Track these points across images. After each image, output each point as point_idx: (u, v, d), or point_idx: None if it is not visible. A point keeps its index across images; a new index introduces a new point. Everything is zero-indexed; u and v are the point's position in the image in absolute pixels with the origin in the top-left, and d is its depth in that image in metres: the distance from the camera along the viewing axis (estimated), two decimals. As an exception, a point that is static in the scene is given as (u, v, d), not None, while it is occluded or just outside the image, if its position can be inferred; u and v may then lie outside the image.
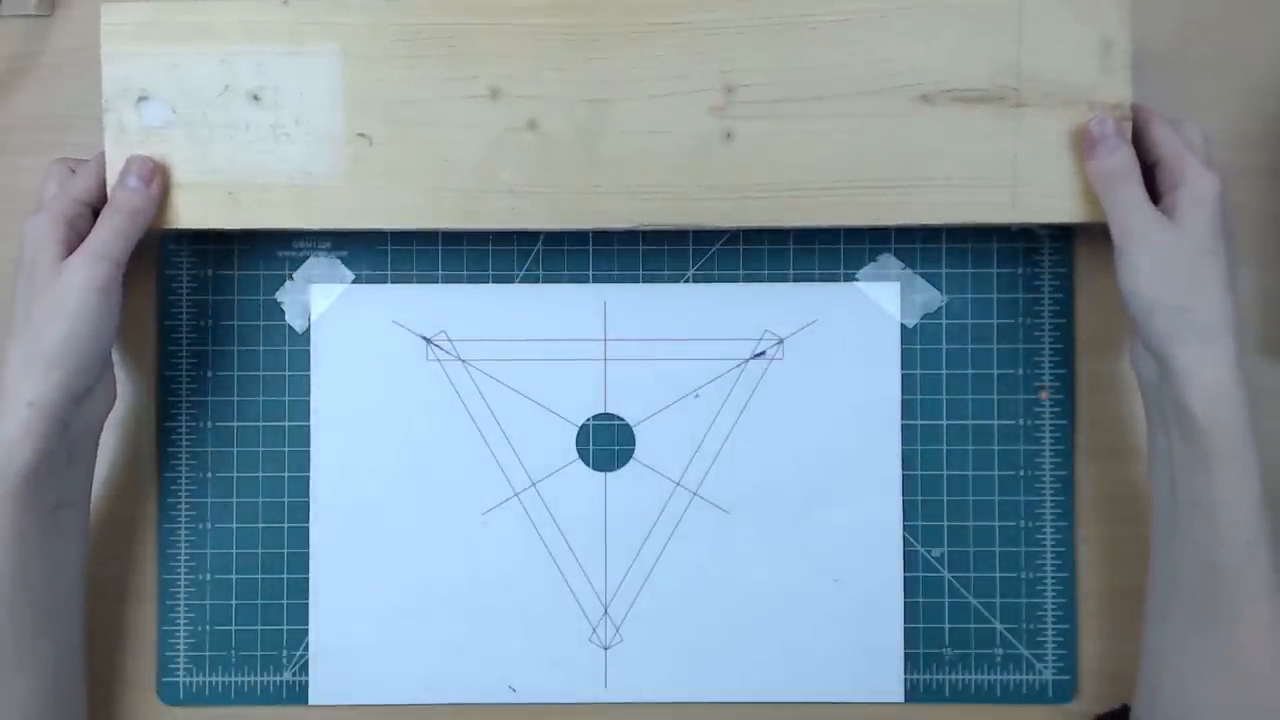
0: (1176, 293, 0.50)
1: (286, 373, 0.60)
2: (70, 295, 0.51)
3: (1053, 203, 0.55)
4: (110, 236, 0.52)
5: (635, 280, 0.60)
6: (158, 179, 0.54)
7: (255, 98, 0.54)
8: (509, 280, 0.60)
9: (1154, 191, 0.53)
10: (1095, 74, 0.54)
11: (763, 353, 0.60)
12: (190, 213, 0.55)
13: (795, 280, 0.60)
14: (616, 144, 0.54)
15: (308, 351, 0.60)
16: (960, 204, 0.55)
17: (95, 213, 0.54)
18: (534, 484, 0.60)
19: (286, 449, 0.60)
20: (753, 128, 0.54)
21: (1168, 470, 0.52)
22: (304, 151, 0.55)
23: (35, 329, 0.51)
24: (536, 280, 0.60)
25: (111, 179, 0.54)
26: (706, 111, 0.54)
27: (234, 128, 0.55)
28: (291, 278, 0.60)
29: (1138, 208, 0.51)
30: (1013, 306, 0.60)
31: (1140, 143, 0.54)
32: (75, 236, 0.53)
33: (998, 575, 0.60)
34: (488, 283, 0.60)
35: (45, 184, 0.55)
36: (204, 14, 0.54)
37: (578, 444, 0.60)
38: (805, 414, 0.60)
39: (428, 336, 0.60)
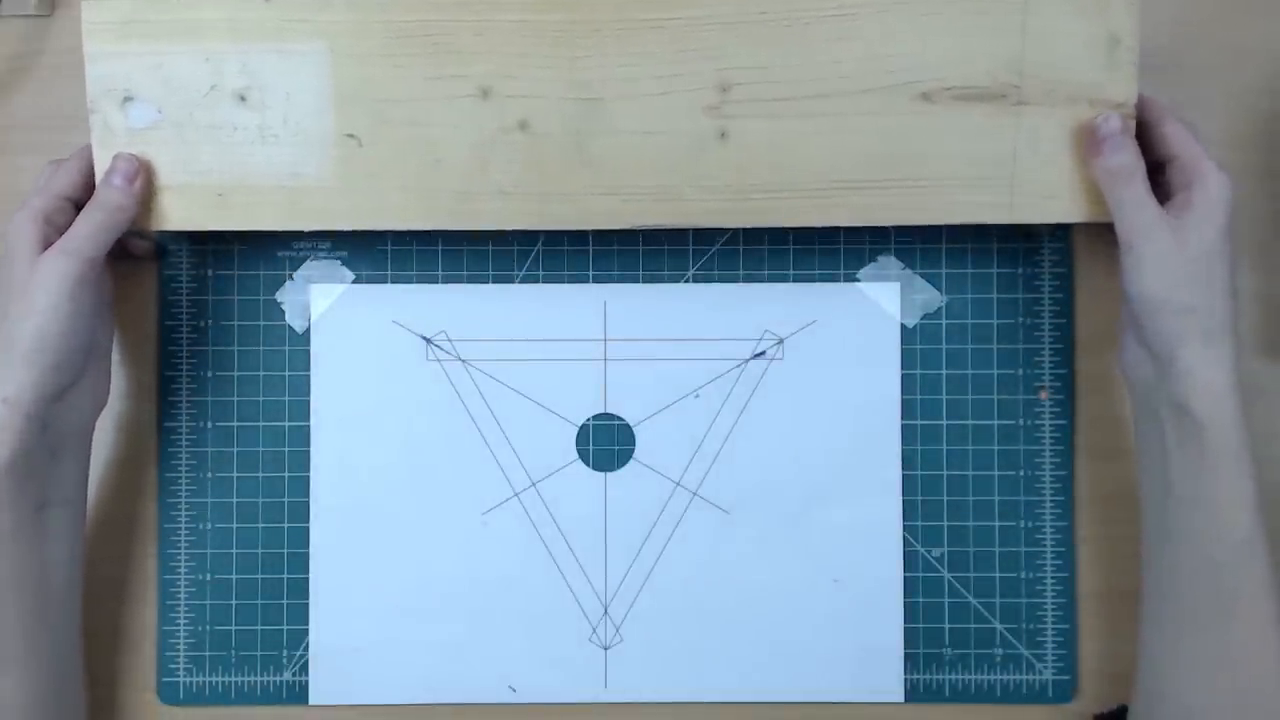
0: (1183, 294, 0.49)
1: (286, 373, 0.59)
2: (41, 291, 0.49)
3: (1052, 203, 0.53)
4: (87, 232, 0.51)
5: (635, 280, 0.59)
6: (141, 177, 0.52)
7: (242, 98, 0.52)
8: (509, 280, 0.59)
9: (1158, 188, 0.51)
10: (1101, 70, 0.52)
11: (763, 353, 0.58)
12: (180, 215, 0.53)
13: (795, 280, 0.59)
14: (609, 143, 0.53)
15: (308, 351, 0.59)
16: (958, 204, 0.53)
17: (78, 208, 0.52)
18: (534, 484, 0.58)
19: (286, 449, 0.59)
20: (747, 126, 0.52)
21: (1162, 472, 0.51)
22: (292, 152, 0.52)
23: (9, 325, 0.50)
24: (536, 280, 0.59)
25: (99, 181, 0.52)
26: (700, 110, 0.52)
27: (221, 129, 0.52)
28: (291, 278, 0.59)
29: (1145, 207, 0.50)
30: (1013, 306, 0.59)
31: (1144, 139, 0.52)
32: (55, 232, 0.51)
33: (998, 575, 0.58)
34: (488, 283, 0.59)
35: (36, 184, 0.54)
36: (188, 11, 0.52)
37: (578, 444, 0.59)
38: (805, 414, 0.58)
39: (428, 336, 0.58)
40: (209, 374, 0.59)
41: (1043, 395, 0.59)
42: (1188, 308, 0.49)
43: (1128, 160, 0.51)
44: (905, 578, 0.58)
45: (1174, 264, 0.49)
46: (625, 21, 0.52)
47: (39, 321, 0.49)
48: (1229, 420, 0.49)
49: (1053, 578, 0.58)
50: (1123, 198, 0.50)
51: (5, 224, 0.58)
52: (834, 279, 0.59)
